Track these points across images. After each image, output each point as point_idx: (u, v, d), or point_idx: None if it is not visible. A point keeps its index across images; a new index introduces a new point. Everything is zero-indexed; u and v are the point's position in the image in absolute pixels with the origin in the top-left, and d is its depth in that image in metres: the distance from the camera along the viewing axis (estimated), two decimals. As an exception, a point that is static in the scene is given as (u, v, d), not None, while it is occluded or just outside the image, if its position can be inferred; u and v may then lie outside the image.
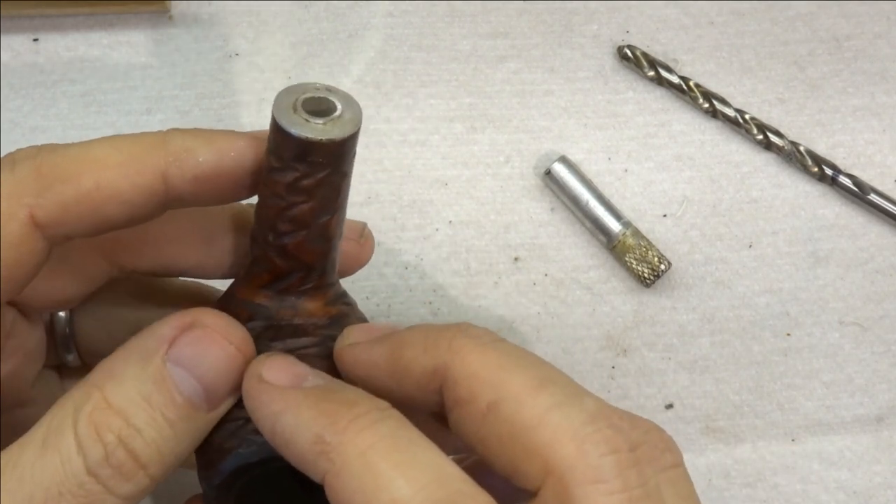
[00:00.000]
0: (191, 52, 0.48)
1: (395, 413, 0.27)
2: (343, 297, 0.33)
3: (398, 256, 0.46)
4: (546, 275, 0.46)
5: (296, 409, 0.27)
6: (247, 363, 0.29)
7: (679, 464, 0.27)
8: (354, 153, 0.30)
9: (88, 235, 0.30)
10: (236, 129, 0.48)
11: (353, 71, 0.48)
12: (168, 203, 0.30)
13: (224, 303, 0.32)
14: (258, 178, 0.30)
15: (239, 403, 0.29)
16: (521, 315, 0.46)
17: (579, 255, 0.46)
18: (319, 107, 0.29)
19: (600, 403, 0.27)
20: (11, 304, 0.31)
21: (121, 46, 0.48)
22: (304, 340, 0.31)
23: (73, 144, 0.29)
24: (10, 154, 0.29)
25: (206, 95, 0.47)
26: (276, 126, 0.28)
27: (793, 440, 0.45)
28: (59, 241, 0.30)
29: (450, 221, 0.47)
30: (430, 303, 0.46)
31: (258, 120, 0.47)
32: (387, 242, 0.46)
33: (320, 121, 0.28)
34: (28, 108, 0.47)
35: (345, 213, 0.31)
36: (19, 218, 0.28)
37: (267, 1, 0.48)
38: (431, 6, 0.49)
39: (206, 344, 0.28)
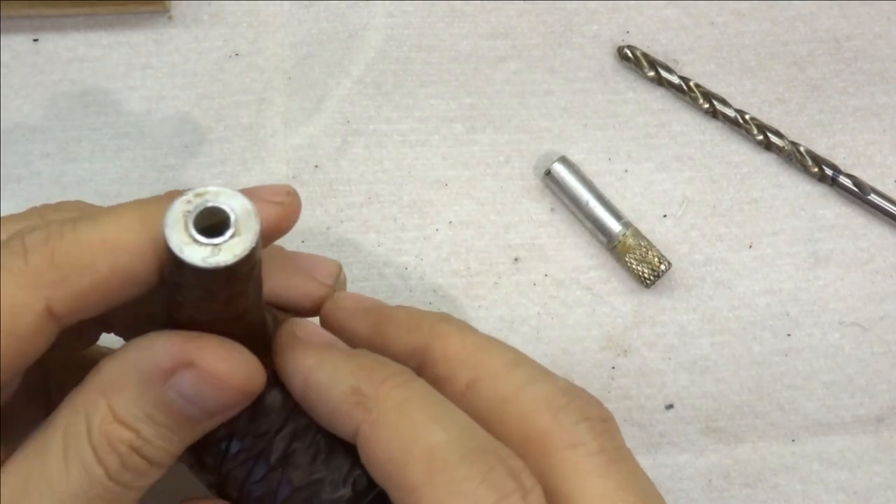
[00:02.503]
0: (191, 52, 0.48)
1: (421, 378, 0.29)
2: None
3: (398, 256, 0.46)
4: (546, 275, 0.46)
5: (332, 362, 0.29)
6: (248, 393, 0.29)
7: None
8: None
9: (101, 313, 0.30)
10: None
11: (353, 71, 0.48)
12: None
13: None
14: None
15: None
16: (521, 315, 0.46)
17: (579, 255, 0.46)
18: (212, 220, 0.26)
19: (569, 382, 0.30)
20: None
21: (121, 46, 0.48)
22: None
23: (82, 223, 0.28)
24: (19, 237, 0.28)
25: (206, 95, 0.47)
26: (191, 269, 0.26)
27: (793, 440, 0.45)
28: (71, 324, 0.29)
29: (450, 221, 0.47)
30: (431, 303, 0.46)
31: (258, 120, 0.47)
32: (387, 242, 0.46)
33: (227, 236, 0.25)
34: (28, 108, 0.47)
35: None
36: (35, 311, 0.28)
37: (267, 1, 0.48)
38: (431, 6, 0.49)
39: (205, 385, 0.28)
